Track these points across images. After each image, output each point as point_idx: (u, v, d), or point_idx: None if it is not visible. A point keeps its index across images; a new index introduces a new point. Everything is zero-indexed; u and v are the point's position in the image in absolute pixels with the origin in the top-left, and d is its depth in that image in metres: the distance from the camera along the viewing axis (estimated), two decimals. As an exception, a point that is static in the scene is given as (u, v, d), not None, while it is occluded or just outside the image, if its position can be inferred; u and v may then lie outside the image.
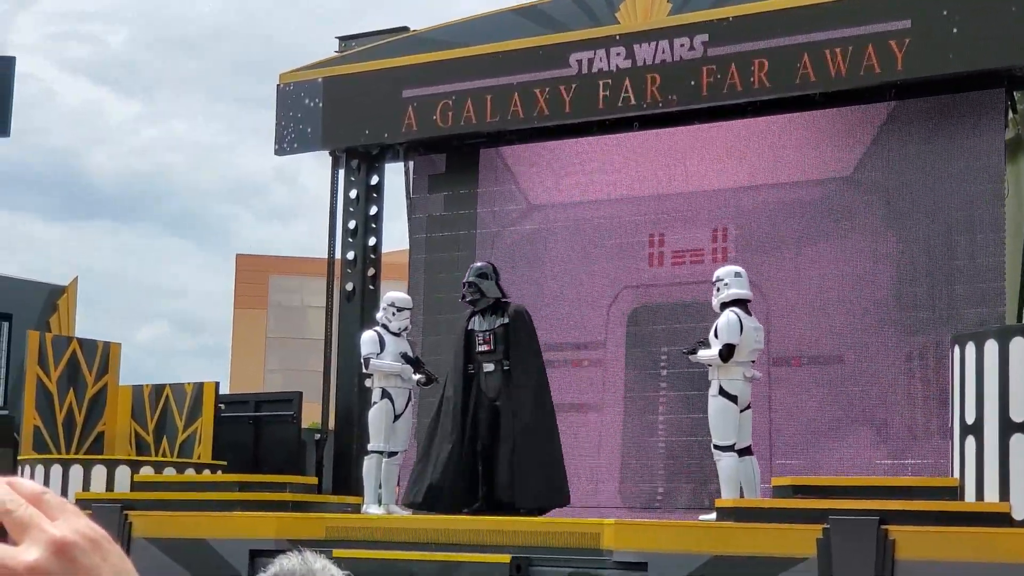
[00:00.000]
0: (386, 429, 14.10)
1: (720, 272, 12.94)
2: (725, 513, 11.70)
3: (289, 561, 2.30)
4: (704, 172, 15.81)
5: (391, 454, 14.17)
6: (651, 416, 15.69)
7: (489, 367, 13.20)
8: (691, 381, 14.67)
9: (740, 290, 12.71)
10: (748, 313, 12.69)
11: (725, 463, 12.49)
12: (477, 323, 13.39)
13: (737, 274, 12.80)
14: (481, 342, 13.25)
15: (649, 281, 15.97)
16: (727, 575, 11.12)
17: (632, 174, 16.23)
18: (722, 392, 12.51)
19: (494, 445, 13.17)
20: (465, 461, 13.22)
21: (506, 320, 13.26)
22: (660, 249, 15.97)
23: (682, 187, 15.90)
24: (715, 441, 12.58)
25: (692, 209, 15.80)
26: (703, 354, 12.63)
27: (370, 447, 14.22)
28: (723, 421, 12.51)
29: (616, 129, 16.25)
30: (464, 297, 13.39)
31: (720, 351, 12.41)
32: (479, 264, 13.77)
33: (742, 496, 12.35)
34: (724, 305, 12.66)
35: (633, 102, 15.73)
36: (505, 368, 13.13)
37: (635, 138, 16.20)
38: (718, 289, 12.77)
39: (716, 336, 12.53)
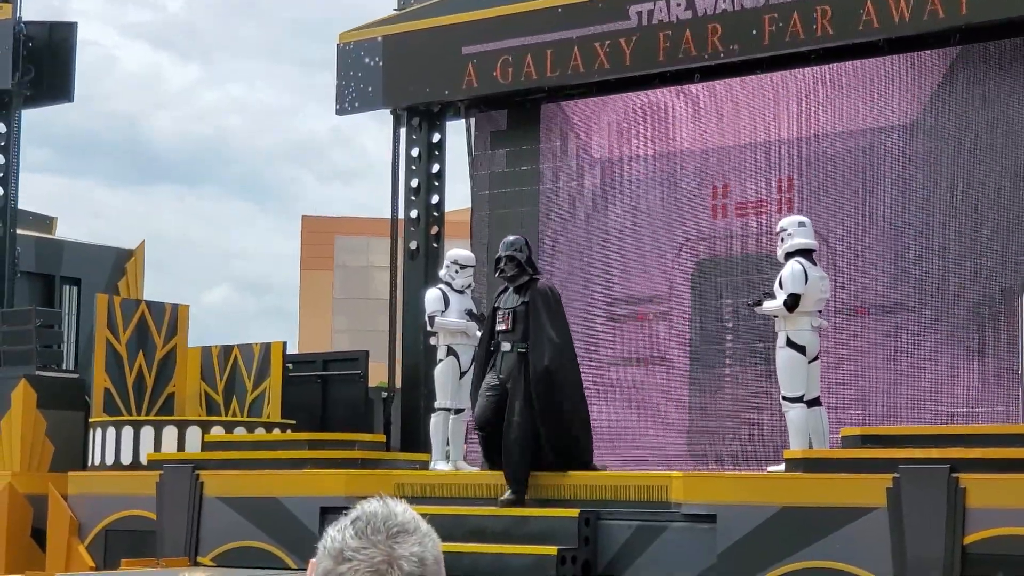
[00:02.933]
0: (452, 386, 14.14)
1: (784, 222, 12.85)
2: (794, 464, 11.67)
3: (371, 504, 2.33)
4: (767, 122, 15.68)
5: (458, 411, 14.22)
6: (718, 369, 15.64)
7: (506, 347, 12.66)
8: (758, 333, 14.60)
9: (804, 239, 12.62)
10: (813, 263, 12.60)
11: (794, 414, 12.44)
12: (504, 299, 12.87)
13: (801, 223, 12.71)
14: (500, 320, 12.72)
15: (713, 233, 15.89)
16: (796, 526, 11.09)
17: (694, 126, 16.13)
18: (789, 343, 12.44)
19: (497, 429, 12.62)
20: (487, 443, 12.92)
21: (527, 299, 12.65)
22: (724, 201, 15.87)
23: (745, 138, 15.78)
24: (783, 392, 12.53)
25: (755, 160, 15.69)
26: (768, 305, 12.56)
27: (437, 404, 14.28)
28: (791, 372, 12.45)
29: (677, 81, 16.14)
30: (501, 272, 12.83)
31: (785, 301, 12.34)
32: (512, 238, 13.10)
33: (811, 447, 12.31)
34: (788, 255, 12.57)
35: (694, 53, 15.61)
36: (520, 351, 12.54)
37: (697, 89, 16.09)
38: (782, 239, 12.69)
39: (781, 287, 12.46)
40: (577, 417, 12.74)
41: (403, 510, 2.34)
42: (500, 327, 12.70)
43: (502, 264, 12.79)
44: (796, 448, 12.21)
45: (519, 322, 12.58)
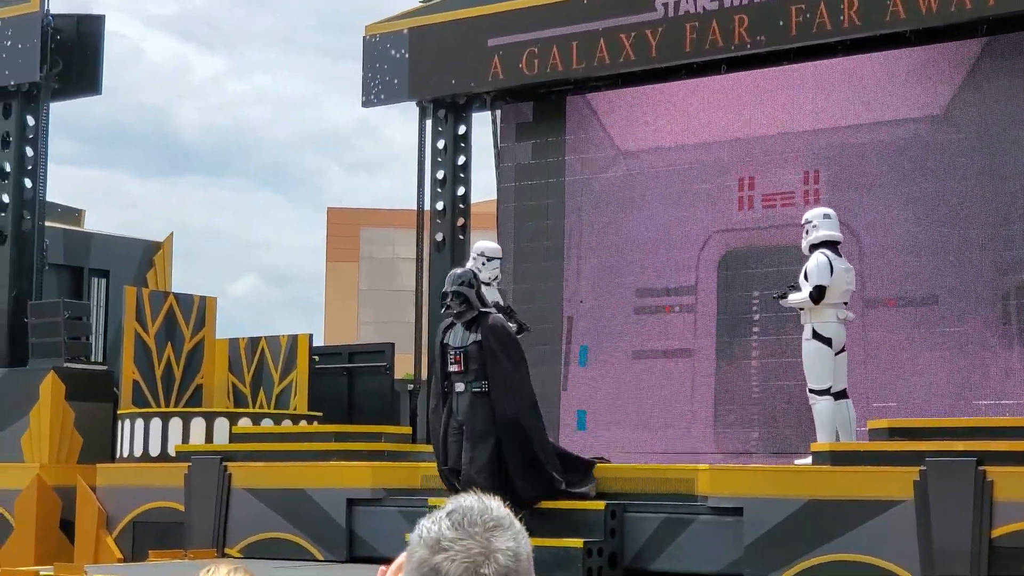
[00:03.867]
0: (479, 378, 14.14)
1: (809, 214, 12.82)
2: (821, 457, 11.65)
3: (466, 499, 2.37)
4: (793, 113, 15.65)
5: (484, 403, 14.22)
6: (744, 361, 15.63)
7: (459, 387, 11.98)
8: (784, 325, 14.59)
9: (829, 231, 12.59)
10: (838, 254, 12.57)
11: (820, 407, 12.42)
12: (452, 336, 12.12)
13: (826, 215, 12.68)
14: (452, 361, 12.00)
15: (739, 225, 15.87)
16: (823, 519, 11.08)
17: (721, 117, 16.10)
18: (816, 335, 12.42)
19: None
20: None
21: (479, 337, 11.94)
22: (750, 192, 15.85)
23: (771, 129, 15.75)
24: (810, 385, 12.51)
25: (782, 151, 15.66)
26: (794, 298, 12.54)
27: (463, 396, 14.28)
28: (818, 364, 12.43)
29: (704, 72, 16.12)
30: (447, 308, 12.05)
31: (811, 293, 12.32)
32: (459, 271, 12.35)
33: (838, 439, 12.29)
34: (814, 247, 12.55)
35: (721, 44, 15.59)
36: (475, 391, 11.89)
37: (723, 81, 16.07)
38: (807, 231, 12.66)
39: (806, 279, 12.43)
40: (546, 455, 12.10)
41: (498, 506, 2.37)
42: (452, 368, 12.00)
43: (448, 300, 12.02)
44: (823, 441, 12.20)
45: (472, 361, 11.91)
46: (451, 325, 12.13)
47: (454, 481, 11.87)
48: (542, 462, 11.97)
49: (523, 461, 11.87)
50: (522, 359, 12.19)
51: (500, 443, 11.78)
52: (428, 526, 2.33)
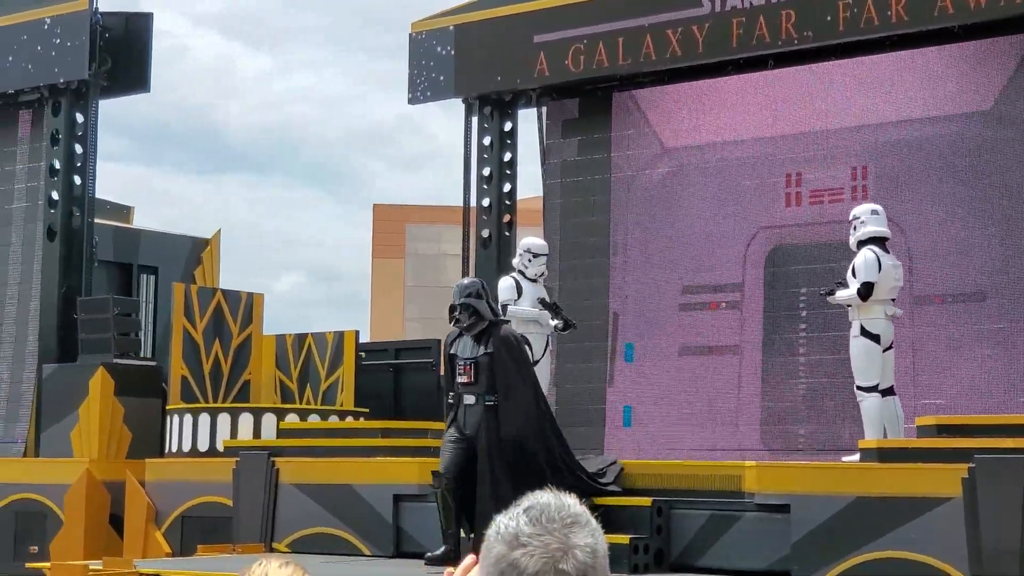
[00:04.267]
0: (525, 374, 14.16)
1: (857, 210, 12.78)
2: (869, 454, 11.61)
3: (543, 496, 2.38)
4: (841, 109, 15.58)
5: (530, 399, 14.23)
6: (791, 357, 15.57)
7: (469, 400, 11.61)
8: (832, 321, 14.53)
9: (877, 227, 12.54)
10: (886, 251, 12.52)
11: (868, 404, 12.38)
12: (461, 347, 11.76)
13: (874, 212, 12.63)
14: (461, 372, 11.65)
15: (787, 221, 15.81)
16: (871, 516, 11.04)
17: (767, 113, 16.05)
18: (864, 332, 12.38)
19: (466, 486, 11.58)
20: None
21: (491, 349, 11.57)
22: (797, 189, 15.79)
23: (819, 125, 15.69)
24: (858, 382, 12.47)
25: (829, 147, 15.59)
26: (841, 294, 12.50)
27: (509, 392, 14.30)
28: (866, 361, 12.39)
29: (750, 68, 16.06)
30: (457, 321, 11.71)
31: (858, 290, 12.28)
32: (467, 281, 12.03)
33: (885, 436, 12.24)
34: (861, 243, 12.50)
35: (768, 40, 15.53)
36: (487, 403, 11.52)
37: (770, 76, 16.01)
38: (855, 228, 12.62)
39: (854, 275, 12.39)
40: (568, 460, 11.87)
41: (575, 503, 2.39)
42: (461, 379, 11.64)
43: (456, 313, 11.69)
44: (871, 438, 12.15)
45: (482, 373, 11.55)
46: (459, 335, 11.80)
47: (449, 490, 11.51)
48: (562, 469, 11.72)
49: (535, 472, 11.34)
50: (532, 372, 11.92)
51: (503, 460, 11.39)
52: (505, 522, 2.35)
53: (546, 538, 2.31)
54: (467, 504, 11.58)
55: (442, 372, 14.08)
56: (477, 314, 11.64)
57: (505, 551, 2.31)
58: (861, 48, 15.32)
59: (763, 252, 15.94)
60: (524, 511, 2.35)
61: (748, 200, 16.04)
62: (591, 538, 2.34)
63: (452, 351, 11.81)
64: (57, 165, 18.16)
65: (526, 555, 2.30)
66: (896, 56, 15.24)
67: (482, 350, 11.61)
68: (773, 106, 16.02)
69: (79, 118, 18.29)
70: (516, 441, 11.52)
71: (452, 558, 11.06)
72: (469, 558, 2.54)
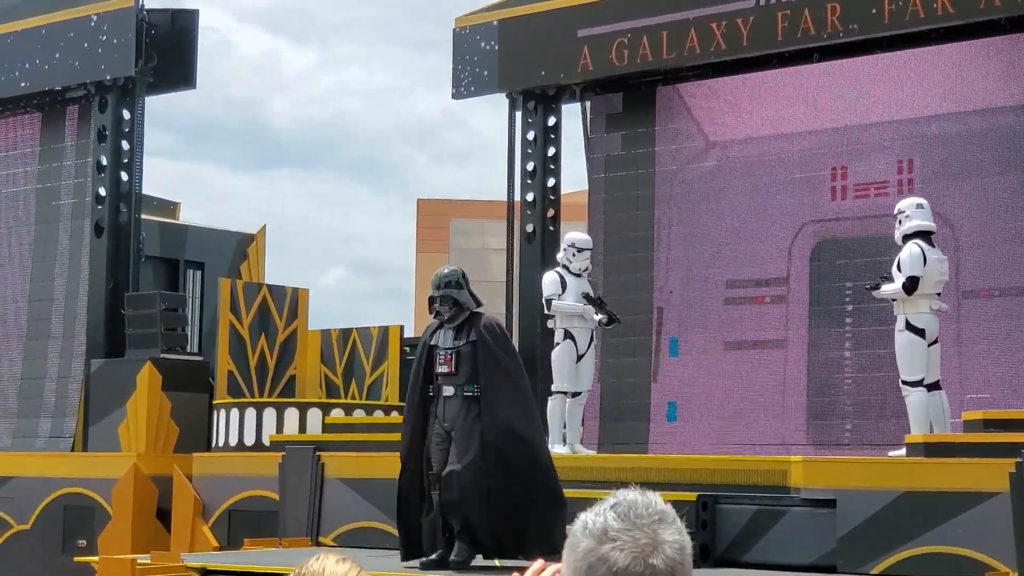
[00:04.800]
0: (569, 369, 14.19)
1: (902, 204, 12.72)
2: (915, 449, 11.57)
3: (628, 492, 2.41)
4: (887, 102, 15.50)
5: (575, 394, 14.27)
6: (837, 352, 15.52)
7: (448, 391, 11.10)
8: (877, 316, 14.47)
9: (922, 221, 12.48)
10: (932, 245, 12.46)
11: (914, 398, 12.33)
12: (440, 337, 11.29)
13: (919, 205, 12.57)
14: (441, 362, 11.16)
15: (832, 215, 15.75)
16: (917, 511, 11.00)
17: (812, 107, 15.99)
18: (909, 326, 12.32)
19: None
20: (424, 499, 11.20)
21: (474, 338, 11.13)
22: (843, 182, 15.73)
23: (864, 118, 15.61)
24: (903, 376, 12.42)
25: (875, 141, 15.52)
26: (887, 288, 12.45)
27: (554, 388, 14.34)
28: (911, 356, 12.33)
29: (795, 61, 16.00)
30: (438, 314, 11.29)
31: (904, 284, 12.22)
32: (446, 271, 11.46)
33: (932, 431, 12.18)
34: (907, 237, 12.45)
35: (813, 33, 15.47)
36: (467, 394, 11.02)
37: (815, 70, 15.94)
38: (900, 222, 12.57)
39: (899, 269, 12.34)
40: (543, 481, 11.06)
41: (659, 499, 2.41)
42: (441, 369, 11.14)
43: (436, 305, 11.27)
44: (917, 432, 12.10)
45: (463, 363, 11.09)
46: (440, 326, 11.36)
47: (435, 488, 10.97)
48: (536, 474, 11.01)
49: (512, 471, 10.90)
50: (519, 363, 11.37)
51: (488, 449, 10.87)
52: (592, 518, 2.37)
53: (635, 533, 2.32)
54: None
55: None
56: (458, 304, 11.25)
57: (594, 545, 2.32)
58: (907, 41, 15.23)
59: (808, 246, 15.89)
60: (611, 507, 2.37)
61: (793, 194, 15.98)
62: (679, 535, 2.36)
63: (432, 342, 11.31)
64: (104, 161, 18.27)
65: (615, 549, 2.31)
66: (942, 48, 15.15)
67: (464, 339, 11.18)
68: (818, 100, 15.96)
69: (126, 115, 18.39)
70: (504, 429, 10.90)
71: (447, 560, 10.83)
72: (538, 563, 2.56)
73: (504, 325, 11.43)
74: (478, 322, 11.23)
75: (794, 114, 16.10)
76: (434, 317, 11.38)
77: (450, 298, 11.21)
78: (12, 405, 18.64)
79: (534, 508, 10.86)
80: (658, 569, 2.31)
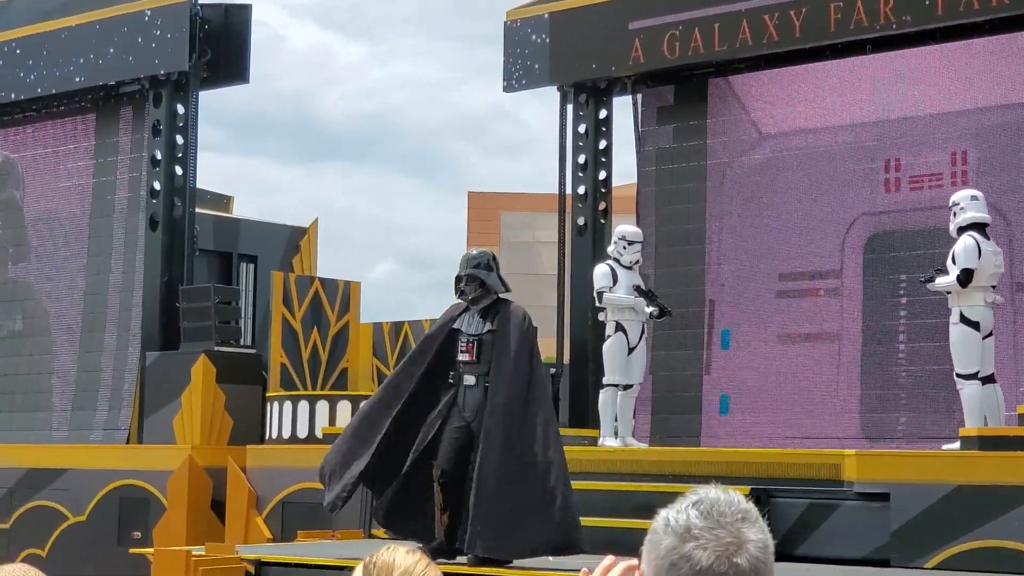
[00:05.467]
0: (621, 362, 14.19)
1: (956, 196, 12.64)
2: (969, 442, 11.50)
3: (710, 490, 2.39)
4: (940, 94, 15.39)
5: (627, 387, 14.27)
6: (891, 345, 15.43)
7: (470, 380, 10.74)
8: (932, 308, 14.38)
9: (977, 213, 12.40)
10: (987, 237, 12.37)
11: (968, 391, 12.25)
12: (466, 323, 10.90)
13: (974, 197, 12.49)
14: (463, 349, 10.80)
15: (886, 207, 15.66)
16: (971, 505, 10.93)
17: (866, 98, 15.90)
18: (963, 319, 12.25)
19: (458, 474, 10.63)
20: (428, 486, 10.75)
21: (494, 327, 10.77)
22: (896, 174, 15.63)
23: (918, 110, 15.52)
24: (958, 369, 12.35)
25: (929, 132, 15.42)
26: (941, 281, 12.37)
27: (605, 380, 14.34)
28: (965, 349, 12.26)
29: (848, 53, 15.91)
30: (462, 294, 10.94)
31: (958, 276, 12.15)
32: (476, 252, 11.06)
33: (986, 424, 12.11)
34: (961, 229, 12.37)
35: (866, 24, 15.37)
36: (487, 384, 10.67)
37: (868, 61, 15.85)
38: (954, 214, 12.49)
39: (953, 262, 12.26)
40: (557, 472, 10.53)
41: (741, 498, 2.40)
42: (463, 357, 10.77)
43: (462, 285, 10.91)
44: (971, 426, 12.03)
45: (485, 351, 10.73)
46: (466, 309, 10.98)
47: (446, 482, 10.59)
48: (544, 475, 10.51)
49: (502, 503, 10.42)
50: (537, 354, 10.88)
51: (488, 436, 10.49)
52: (674, 515, 2.35)
53: (719, 532, 2.31)
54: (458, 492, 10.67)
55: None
56: (484, 286, 10.89)
57: (676, 543, 2.30)
58: (960, 32, 15.11)
59: (862, 239, 15.81)
60: (693, 504, 2.35)
61: (847, 186, 15.90)
62: (762, 534, 2.34)
63: (456, 326, 10.93)
64: (159, 156, 18.39)
65: (699, 548, 2.29)
66: (996, 39, 15.02)
67: (487, 327, 10.82)
68: (871, 91, 15.87)
69: (180, 109, 18.51)
70: (505, 413, 10.53)
71: (445, 550, 10.59)
72: (608, 559, 2.55)
73: (530, 316, 11.00)
74: (505, 309, 10.89)
75: (847, 106, 16.02)
76: (459, 297, 11.02)
77: (477, 278, 10.87)
78: (68, 397, 18.81)
79: (522, 504, 10.41)
80: (742, 568, 2.29)
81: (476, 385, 10.72)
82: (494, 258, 11.11)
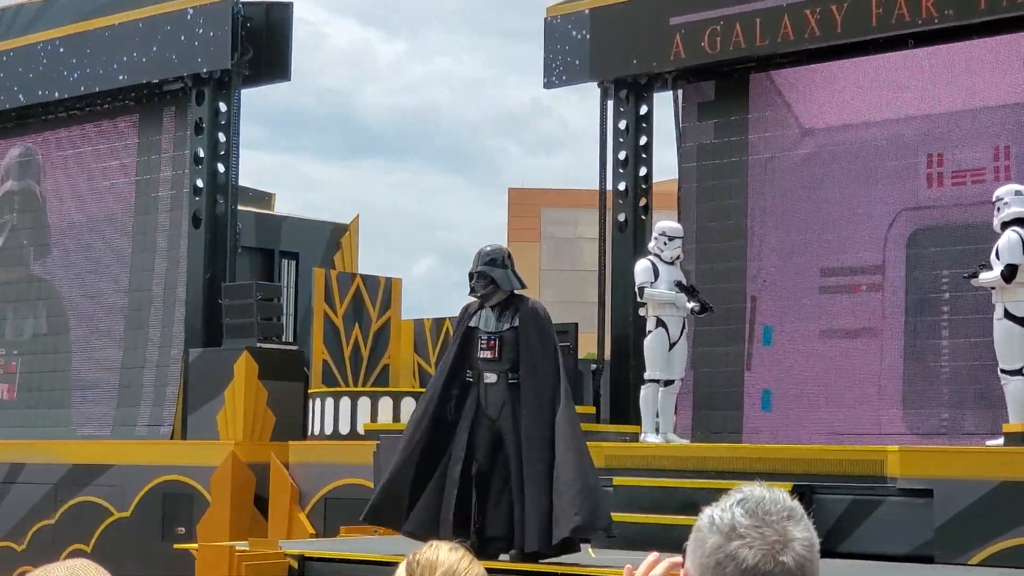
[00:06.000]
0: (662, 357, 14.18)
1: (1000, 191, 12.58)
2: (1013, 438, 11.45)
3: (755, 488, 2.39)
4: (983, 88, 15.30)
5: (668, 382, 14.25)
6: (934, 340, 15.35)
7: (491, 378, 10.75)
8: (975, 304, 14.30)
9: (1021, 208, 12.33)
10: (1031, 232, 12.29)
11: (1013, 387, 12.19)
12: (483, 320, 10.90)
13: (1018, 192, 12.42)
14: (484, 346, 10.78)
15: (928, 203, 15.58)
16: (1016, 501, 10.88)
17: (907, 93, 15.82)
18: (1007, 315, 12.18)
19: (491, 473, 10.66)
20: (460, 486, 10.70)
21: (517, 323, 10.76)
22: (939, 169, 15.55)
23: (960, 105, 15.43)
24: (1002, 365, 12.28)
25: (971, 127, 15.33)
26: (985, 277, 12.31)
27: (647, 376, 14.33)
28: (1009, 344, 12.19)
29: (890, 47, 15.84)
30: (472, 290, 10.95)
31: (1002, 272, 12.09)
32: (489, 249, 11.04)
33: (1031, 421, 12.03)
34: (1005, 224, 12.30)
35: (907, 18, 15.30)
36: (511, 381, 10.67)
37: (910, 56, 15.78)
38: (998, 209, 12.43)
39: (997, 257, 12.20)
40: (575, 464, 10.45)
41: (786, 496, 2.38)
42: (484, 355, 10.75)
43: (472, 282, 10.93)
44: (1015, 422, 11.96)
45: (506, 348, 10.71)
46: (478, 308, 10.99)
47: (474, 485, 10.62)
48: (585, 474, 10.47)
49: (540, 498, 10.44)
50: (553, 349, 10.80)
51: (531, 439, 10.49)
52: (719, 514, 2.33)
53: (765, 530, 2.30)
54: (482, 490, 10.72)
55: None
56: (494, 283, 10.84)
57: (722, 542, 2.29)
58: (1003, 26, 15.02)
59: (904, 234, 15.73)
60: (738, 502, 2.34)
61: (889, 181, 15.83)
62: (807, 532, 2.33)
63: (472, 323, 10.91)
64: (201, 154, 18.49)
65: (744, 546, 2.28)
66: (1041, 33, 14.92)
67: (507, 324, 10.79)
68: (913, 86, 15.79)
69: (222, 107, 18.60)
70: (551, 418, 10.51)
71: (476, 548, 10.41)
72: (652, 556, 2.54)
73: (548, 310, 11.07)
74: (524, 305, 10.86)
75: (889, 101, 15.95)
76: (469, 294, 10.99)
77: (487, 276, 10.83)
78: (112, 394, 18.94)
79: (537, 505, 10.40)
80: (788, 567, 2.27)
81: (498, 383, 10.73)
82: (508, 256, 11.11)
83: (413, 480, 10.79)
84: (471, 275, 10.95)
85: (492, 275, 10.85)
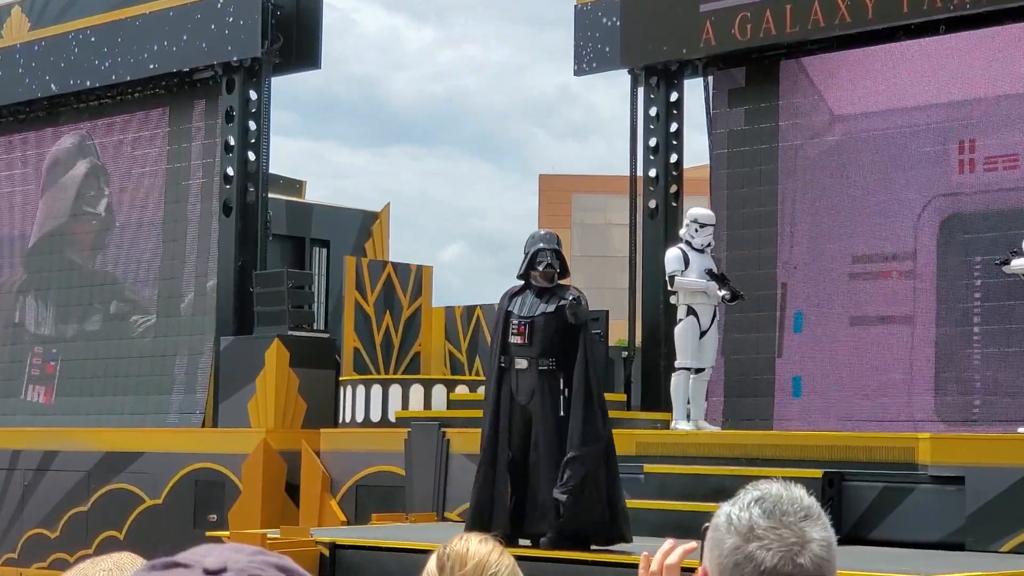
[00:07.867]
0: (693, 345, 14.17)
1: (1034, 177, 12.51)
2: (1045, 425, 11.39)
3: (773, 486, 2.37)
4: (1016, 74, 15.21)
5: (698, 370, 14.25)
6: (966, 327, 15.29)
7: (521, 364, 10.64)
8: (1008, 290, 14.24)
9: (1057, 195, 12.27)
10: (1066, 219, 12.24)
11: (1044, 374, 12.14)
12: (518, 304, 10.78)
13: (1053, 179, 12.35)
14: (514, 331, 10.65)
15: (960, 189, 15.51)
16: (1049, 489, 10.84)
17: (939, 79, 15.74)
18: (1040, 301, 12.13)
19: (525, 460, 10.66)
20: (501, 476, 10.73)
21: (550, 309, 10.63)
22: (971, 155, 15.47)
23: (993, 90, 15.34)
24: (1033, 352, 12.23)
25: (1004, 113, 15.24)
26: (1016, 263, 12.27)
27: (677, 364, 14.33)
28: (1041, 331, 12.14)
29: (922, 33, 15.77)
30: (549, 266, 10.76)
31: (1035, 259, 12.03)
32: (543, 232, 11.11)
33: (1063, 408, 11.99)
34: (1039, 211, 12.24)
35: (939, 5, 15.23)
36: (541, 368, 10.55)
37: (942, 42, 15.70)
38: (1033, 195, 12.36)
39: (1031, 244, 12.14)
40: (601, 463, 10.50)
41: (805, 494, 2.38)
42: (514, 340, 10.64)
43: (549, 259, 10.71)
44: (1048, 409, 11.92)
45: (537, 333, 10.60)
46: (518, 292, 10.87)
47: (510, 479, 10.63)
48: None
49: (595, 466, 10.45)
50: (593, 338, 10.90)
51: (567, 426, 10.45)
52: (737, 513, 2.32)
53: (782, 531, 2.29)
54: (516, 477, 10.70)
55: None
56: (563, 265, 10.83)
57: (739, 543, 2.29)
58: (1037, 10, 14.92)
59: (936, 220, 15.66)
60: (756, 502, 2.32)
61: (920, 168, 15.76)
62: (825, 531, 2.32)
63: (509, 307, 10.80)
64: (232, 142, 18.54)
65: (762, 548, 2.28)
66: (1074, 18, 14.82)
67: (542, 309, 10.67)
68: (944, 72, 15.71)
69: (253, 95, 18.63)
70: (592, 406, 10.50)
71: (508, 535, 10.34)
72: (668, 542, 2.54)
73: (588, 298, 11.03)
74: (563, 293, 10.77)
75: (920, 87, 15.87)
76: (543, 270, 10.76)
77: (561, 255, 10.83)
78: (144, 382, 19.03)
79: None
80: (806, 568, 2.27)
81: (528, 368, 10.64)
82: (559, 241, 11.17)
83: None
84: (540, 252, 10.75)
85: (563, 259, 10.84)
